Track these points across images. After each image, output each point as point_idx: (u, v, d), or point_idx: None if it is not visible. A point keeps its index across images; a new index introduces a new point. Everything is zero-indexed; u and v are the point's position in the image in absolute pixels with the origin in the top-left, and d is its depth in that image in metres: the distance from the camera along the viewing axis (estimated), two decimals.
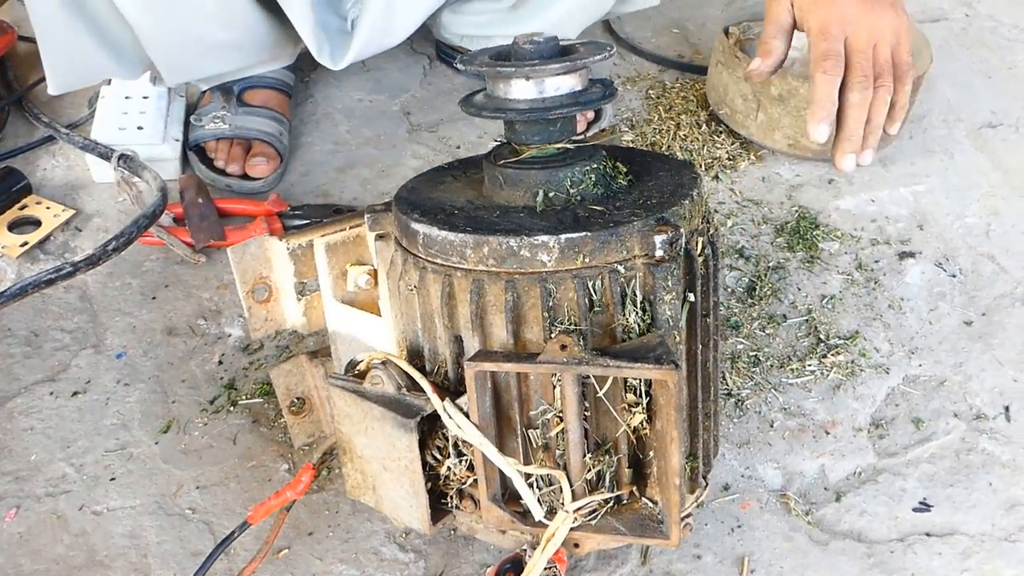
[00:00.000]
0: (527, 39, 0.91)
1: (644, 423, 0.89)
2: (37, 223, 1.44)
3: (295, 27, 1.42)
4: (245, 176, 1.53)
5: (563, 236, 0.84)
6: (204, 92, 1.61)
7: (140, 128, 1.53)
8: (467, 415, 0.89)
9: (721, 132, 1.70)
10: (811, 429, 1.24)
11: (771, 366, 1.31)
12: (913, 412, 1.27)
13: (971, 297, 1.44)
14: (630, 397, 0.88)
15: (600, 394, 0.88)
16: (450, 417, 0.89)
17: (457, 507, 0.97)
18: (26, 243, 1.40)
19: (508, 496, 0.93)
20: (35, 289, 1.02)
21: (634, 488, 0.92)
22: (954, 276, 1.47)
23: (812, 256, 1.48)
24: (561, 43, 0.94)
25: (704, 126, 1.71)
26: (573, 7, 1.58)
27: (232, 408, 1.23)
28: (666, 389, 0.83)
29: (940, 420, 1.26)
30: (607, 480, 0.91)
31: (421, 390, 0.92)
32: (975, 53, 1.98)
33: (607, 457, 0.90)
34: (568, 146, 0.95)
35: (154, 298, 1.37)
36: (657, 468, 0.90)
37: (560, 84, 0.91)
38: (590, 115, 1.69)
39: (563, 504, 0.89)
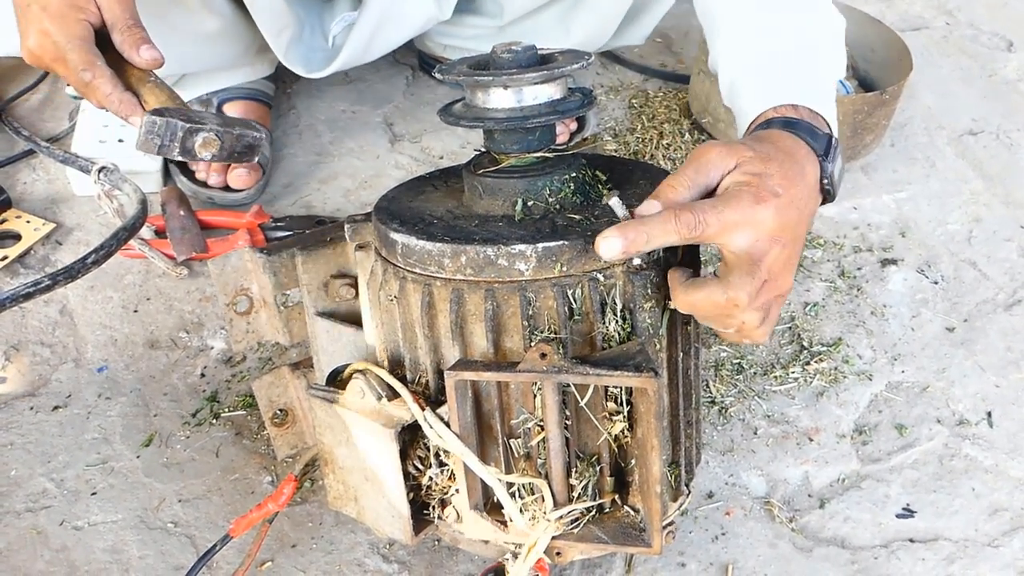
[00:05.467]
0: (505, 48, 0.91)
1: (625, 431, 0.89)
2: (17, 237, 1.43)
3: (265, 36, 1.42)
4: (227, 188, 1.53)
5: (540, 245, 0.84)
6: None
7: (121, 141, 1.53)
8: (448, 424, 0.89)
9: (704, 140, 1.70)
10: (795, 436, 1.24)
11: (754, 373, 1.31)
12: (896, 418, 1.27)
13: (953, 303, 1.44)
14: (611, 405, 0.88)
15: (582, 403, 0.88)
16: (431, 427, 0.89)
17: (440, 517, 0.96)
18: (6, 257, 1.39)
19: (490, 505, 0.93)
20: (13, 303, 1.00)
21: (616, 496, 0.92)
22: (936, 283, 1.47)
23: None
24: (540, 52, 0.94)
25: (687, 135, 1.72)
26: (563, 47, 1.59)
27: (214, 421, 1.23)
28: (646, 397, 0.83)
29: (923, 426, 1.26)
30: (589, 489, 0.90)
31: (402, 400, 0.92)
32: (956, 61, 1.99)
33: (589, 466, 0.90)
34: (547, 155, 0.95)
35: (135, 311, 1.36)
36: (639, 476, 0.90)
37: (538, 93, 0.91)
38: (573, 125, 1.69)
39: (545, 513, 0.89)
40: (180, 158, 0.99)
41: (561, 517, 0.89)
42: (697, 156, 0.88)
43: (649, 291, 0.86)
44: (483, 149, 0.98)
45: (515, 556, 0.94)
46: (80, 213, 1.50)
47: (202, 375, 1.28)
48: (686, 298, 0.85)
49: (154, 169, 1.54)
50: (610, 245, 0.81)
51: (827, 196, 0.95)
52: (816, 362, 1.32)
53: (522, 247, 0.84)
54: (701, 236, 0.82)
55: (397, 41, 1.56)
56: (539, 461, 0.90)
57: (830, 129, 0.98)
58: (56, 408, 1.24)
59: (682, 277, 0.87)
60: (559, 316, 0.86)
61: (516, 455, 0.91)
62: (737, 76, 1.08)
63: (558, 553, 0.94)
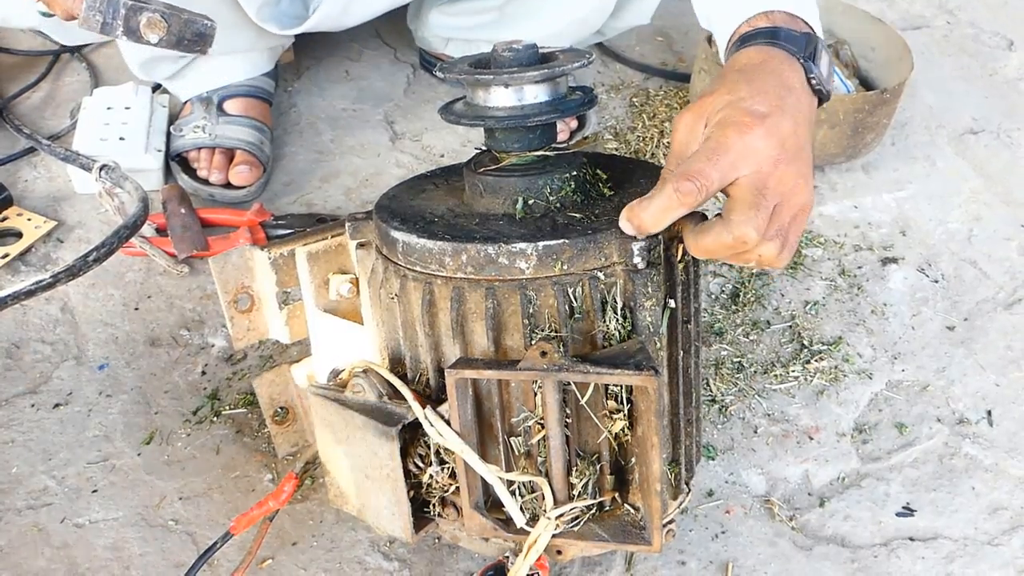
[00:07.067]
0: (506, 46, 0.92)
1: (625, 429, 0.89)
2: (18, 235, 1.43)
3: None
4: (228, 185, 1.53)
5: (541, 243, 0.84)
6: (185, 102, 1.61)
7: (122, 139, 1.53)
8: (448, 423, 0.89)
9: None
10: (795, 434, 1.24)
11: (755, 372, 1.31)
12: (896, 417, 1.27)
13: (953, 302, 1.44)
14: (611, 404, 0.88)
15: (582, 402, 0.88)
16: (431, 425, 0.89)
17: (440, 515, 0.96)
18: (7, 255, 1.40)
19: (491, 503, 0.93)
20: (15, 301, 1.01)
21: (616, 494, 0.92)
22: (936, 281, 1.47)
23: (795, 262, 1.48)
24: (540, 50, 0.94)
25: None
26: (563, 23, 1.59)
27: (215, 418, 1.23)
28: (646, 395, 0.83)
29: (923, 425, 1.26)
30: (589, 487, 0.90)
31: (403, 398, 0.92)
32: (957, 60, 1.99)
33: (589, 464, 0.90)
34: (548, 153, 0.95)
35: (136, 309, 1.36)
36: (639, 474, 0.90)
37: (539, 91, 0.91)
38: (573, 123, 1.69)
39: (545, 511, 0.89)
40: (125, 39, 0.97)
41: (561, 515, 0.89)
42: (674, 139, 0.88)
43: (649, 290, 0.86)
44: (484, 147, 0.98)
45: (515, 554, 0.95)
46: (81, 211, 1.50)
47: (203, 373, 1.29)
48: (696, 245, 0.84)
49: (155, 167, 1.54)
50: (625, 227, 0.84)
51: (821, 96, 0.93)
52: (816, 361, 1.33)
53: (523, 245, 0.84)
54: (709, 194, 0.81)
55: (379, 7, 1.55)
56: (539, 459, 0.90)
57: (810, 28, 0.95)
58: (57, 406, 1.24)
59: (692, 223, 0.85)
60: (559, 314, 0.86)
61: (516, 453, 0.91)
62: (710, 1, 1.07)
63: (559, 551, 0.94)
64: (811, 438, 1.24)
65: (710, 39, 1.74)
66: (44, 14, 1.51)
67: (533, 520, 0.90)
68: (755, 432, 1.24)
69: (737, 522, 1.14)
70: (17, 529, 1.10)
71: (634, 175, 0.99)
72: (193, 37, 0.99)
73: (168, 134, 1.58)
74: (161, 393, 1.26)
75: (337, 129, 1.71)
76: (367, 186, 1.60)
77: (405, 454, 0.93)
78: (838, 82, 1.70)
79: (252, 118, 1.58)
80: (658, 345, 0.90)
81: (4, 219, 1.46)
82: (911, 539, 1.13)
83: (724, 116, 0.84)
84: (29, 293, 1.01)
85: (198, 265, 1.42)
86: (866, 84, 1.76)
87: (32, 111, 1.69)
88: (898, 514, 1.16)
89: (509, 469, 0.91)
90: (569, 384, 0.87)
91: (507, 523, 0.91)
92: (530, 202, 0.91)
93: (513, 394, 0.89)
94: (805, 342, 1.36)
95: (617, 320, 0.87)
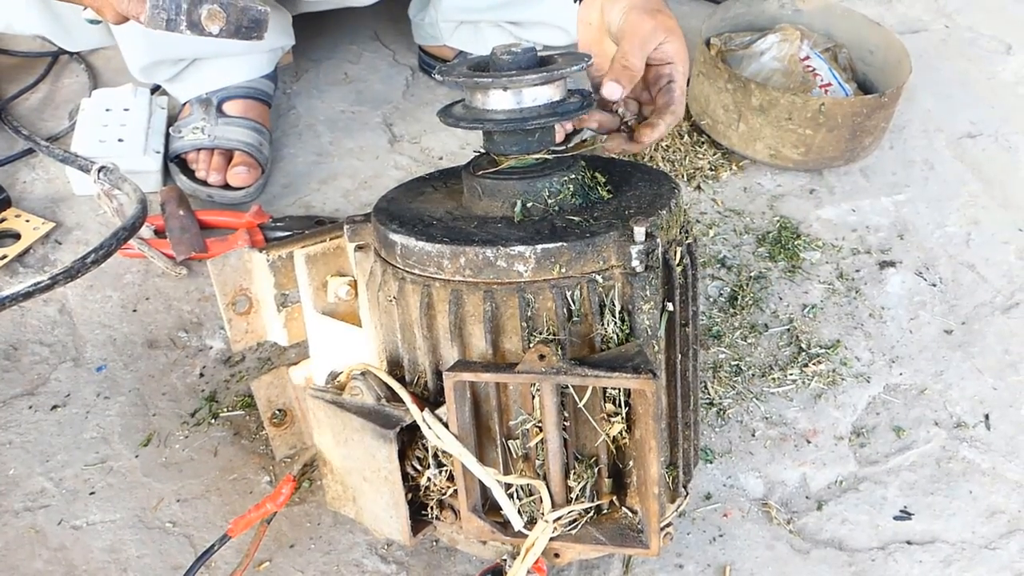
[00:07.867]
0: (505, 49, 0.92)
1: (623, 433, 0.89)
2: (17, 236, 1.43)
3: None
4: (227, 186, 1.53)
5: (539, 246, 0.84)
6: (184, 104, 1.61)
7: (121, 140, 1.53)
8: (446, 425, 0.89)
9: (703, 142, 1.71)
10: (793, 438, 1.24)
11: (753, 375, 1.31)
12: (894, 420, 1.27)
13: (951, 306, 1.44)
14: (609, 407, 0.88)
15: (580, 405, 0.88)
16: (429, 427, 0.89)
17: (438, 518, 0.96)
18: (5, 256, 1.39)
19: (488, 506, 0.93)
20: (13, 302, 1.01)
21: (614, 498, 0.92)
22: (934, 285, 1.47)
23: (793, 266, 1.48)
24: (539, 54, 0.95)
25: (686, 136, 1.72)
26: None
27: (213, 421, 1.23)
28: (644, 398, 0.83)
29: (921, 428, 1.26)
30: (587, 490, 0.91)
31: (401, 401, 0.92)
32: (955, 64, 1.99)
33: (587, 467, 0.90)
34: (547, 156, 0.95)
35: (135, 311, 1.36)
36: (636, 477, 0.90)
37: (537, 94, 0.91)
38: (569, 125, 1.69)
39: (543, 514, 0.89)
40: (188, 32, 0.98)
41: (559, 518, 0.90)
42: (634, 36, 1.10)
43: (648, 293, 0.86)
44: (482, 150, 0.98)
45: (513, 557, 0.95)
46: (80, 212, 1.50)
47: (201, 375, 1.28)
48: (651, 137, 1.11)
49: (154, 168, 1.54)
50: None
51: None
52: (814, 364, 1.33)
53: (521, 248, 0.84)
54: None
55: None
56: (537, 462, 0.90)
57: None
58: (55, 407, 1.24)
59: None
60: (558, 317, 0.86)
61: (514, 456, 0.91)
62: None
63: (556, 555, 0.94)
64: (809, 441, 1.24)
65: (708, 42, 1.75)
66: (92, 21, 1.54)
67: (531, 523, 0.90)
68: (753, 435, 1.24)
69: (735, 525, 1.14)
70: (14, 531, 1.10)
71: (632, 178, 0.99)
72: (250, 24, 1.00)
73: (167, 136, 1.58)
74: (159, 395, 1.26)
75: (336, 131, 1.71)
76: (366, 188, 1.60)
77: (403, 457, 0.93)
78: (836, 85, 1.70)
79: (251, 120, 1.58)
80: (656, 348, 0.90)
81: (2, 220, 1.45)
82: (908, 543, 1.13)
83: (672, 25, 1.10)
84: (27, 295, 1.01)
85: (196, 267, 1.42)
86: (864, 88, 1.76)
87: (31, 112, 1.69)
88: (895, 518, 1.16)
89: (507, 472, 0.91)
90: (567, 387, 0.87)
91: (505, 526, 0.92)
92: (528, 205, 0.91)
93: (511, 397, 0.89)
94: (803, 345, 1.36)
95: (615, 323, 0.87)
